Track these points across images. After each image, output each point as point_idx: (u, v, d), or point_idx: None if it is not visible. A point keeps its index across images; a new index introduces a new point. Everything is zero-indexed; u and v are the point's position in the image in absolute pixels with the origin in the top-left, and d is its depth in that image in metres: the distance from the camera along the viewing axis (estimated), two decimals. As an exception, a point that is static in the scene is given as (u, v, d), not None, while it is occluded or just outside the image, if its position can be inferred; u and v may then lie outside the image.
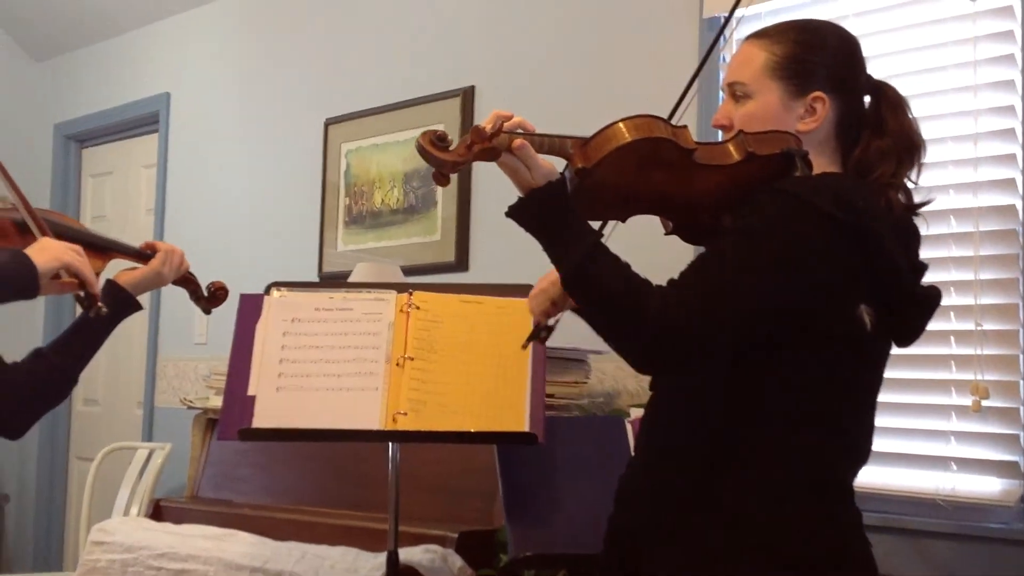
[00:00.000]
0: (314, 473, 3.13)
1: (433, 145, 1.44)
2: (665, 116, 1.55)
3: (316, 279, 3.95)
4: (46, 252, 1.60)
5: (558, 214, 1.48)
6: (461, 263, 3.53)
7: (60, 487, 5.12)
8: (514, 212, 1.50)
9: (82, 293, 1.69)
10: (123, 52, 5.01)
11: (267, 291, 2.37)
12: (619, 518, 1.62)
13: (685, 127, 1.52)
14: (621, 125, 1.47)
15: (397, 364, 2.22)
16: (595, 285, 1.45)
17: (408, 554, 2.43)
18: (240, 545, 2.80)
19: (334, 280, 3.77)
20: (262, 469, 3.27)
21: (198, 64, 4.65)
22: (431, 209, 3.65)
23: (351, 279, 3.35)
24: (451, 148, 1.46)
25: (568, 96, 3.29)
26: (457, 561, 2.48)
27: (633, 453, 1.69)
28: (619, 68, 3.19)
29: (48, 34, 5.27)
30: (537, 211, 1.48)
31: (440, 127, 3.59)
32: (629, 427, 2.26)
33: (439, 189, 3.61)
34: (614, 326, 1.45)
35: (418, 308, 2.32)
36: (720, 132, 1.63)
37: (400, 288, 2.37)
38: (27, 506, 5.14)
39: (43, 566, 4.97)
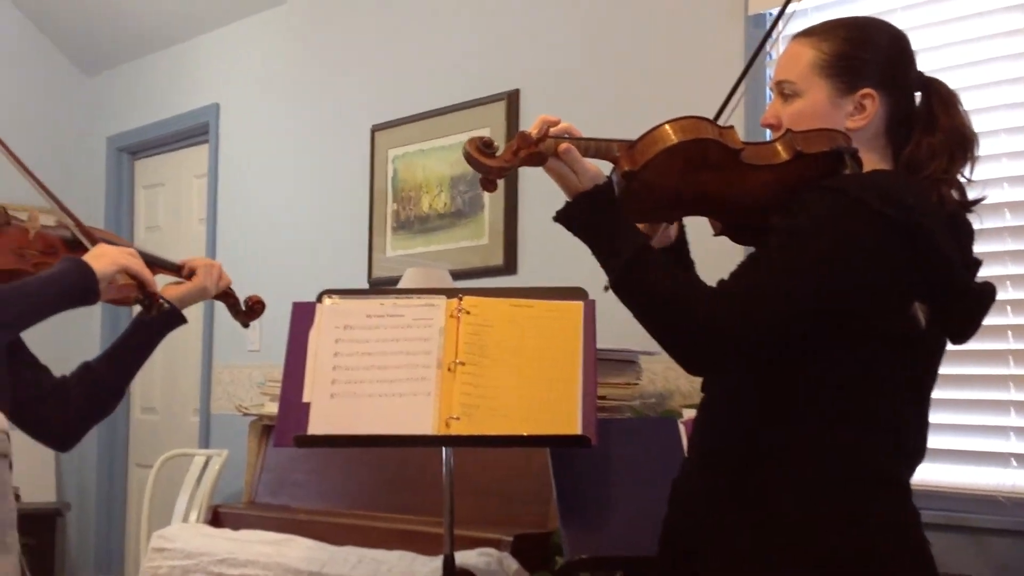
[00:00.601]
0: (369, 478, 3.16)
1: (480, 152, 1.46)
2: (712, 116, 1.55)
3: (365, 285, 3.98)
4: (104, 257, 1.63)
5: (605, 218, 1.49)
6: (509, 266, 3.54)
7: (120, 495, 5.21)
8: (562, 217, 1.52)
9: (142, 295, 1.71)
10: (172, 64, 5.09)
11: (319, 298, 2.40)
12: (672, 519, 1.63)
13: (732, 127, 1.52)
14: (667, 127, 1.48)
15: (448, 369, 2.23)
16: (643, 288, 1.46)
17: (464, 557, 2.44)
18: (298, 550, 2.83)
19: (384, 286, 3.80)
20: (318, 474, 3.31)
21: (246, 74, 4.71)
22: (478, 213, 3.66)
23: (401, 284, 3.37)
24: (497, 154, 1.48)
25: (613, 98, 3.29)
26: (513, 564, 2.49)
27: (687, 454, 1.69)
28: (664, 68, 3.18)
29: (99, 49, 5.37)
30: (584, 215, 1.50)
31: (486, 132, 3.61)
32: (682, 428, 2.25)
33: (486, 193, 3.62)
34: (662, 328, 1.46)
35: (468, 313, 2.33)
36: (769, 131, 1.63)
37: (450, 293, 2.39)
38: (88, 514, 5.23)
39: (104, 573, 5.05)
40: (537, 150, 1.48)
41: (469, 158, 1.46)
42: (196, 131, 4.94)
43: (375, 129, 4.05)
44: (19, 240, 1.72)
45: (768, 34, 1.74)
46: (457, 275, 3.50)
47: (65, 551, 5.13)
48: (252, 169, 4.64)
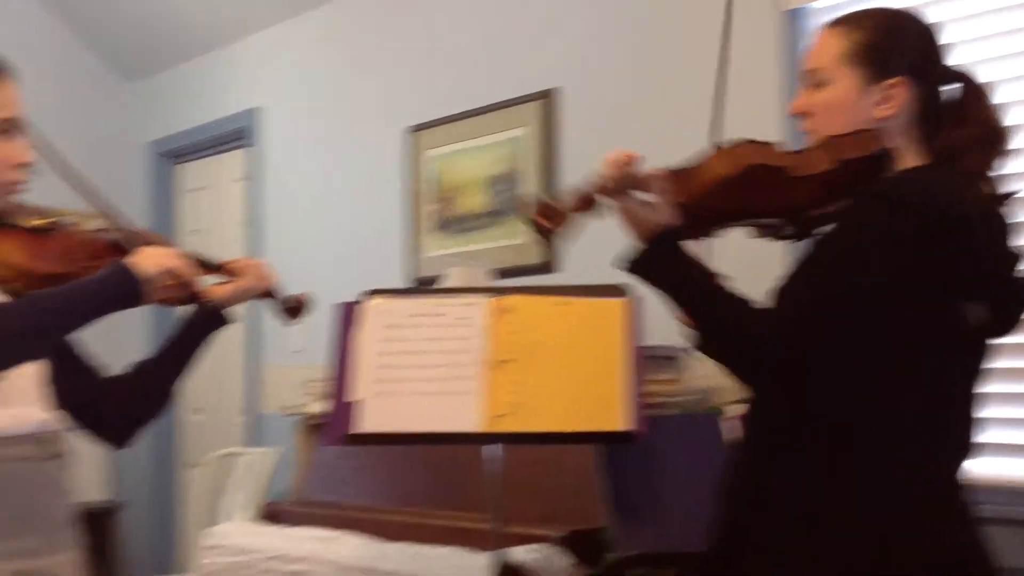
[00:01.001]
0: (417, 475, 3.20)
1: (540, 215, 1.50)
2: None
3: (407, 285, 4.02)
4: (148, 259, 1.66)
5: (675, 265, 1.53)
6: (549, 264, 3.57)
7: (171, 493, 5.30)
8: (634, 269, 1.57)
9: (187, 296, 1.75)
10: (211, 69, 5.16)
11: (363, 298, 2.44)
12: (722, 516, 1.65)
13: (770, 144, 1.54)
14: (715, 160, 1.50)
15: (493, 367, 2.27)
16: (719, 326, 1.51)
17: (514, 554, 2.48)
18: (349, 547, 2.88)
19: (426, 286, 3.84)
20: (365, 472, 3.36)
21: (284, 78, 4.77)
22: (517, 212, 3.69)
23: (442, 284, 3.42)
24: (557, 210, 1.51)
25: (651, 95, 3.30)
26: (563, 560, 2.52)
27: (738, 450, 1.71)
28: (702, 67, 3.18)
29: (139, 55, 5.45)
30: (655, 266, 1.54)
31: (523, 131, 3.63)
32: (724, 425, 2.27)
33: (525, 191, 3.65)
34: (735, 360, 1.52)
35: (509, 311, 2.36)
36: (798, 120, 1.64)
37: (490, 292, 2.42)
38: (142, 513, 5.33)
39: (159, 570, 5.15)
40: (592, 198, 1.52)
41: (529, 223, 1.51)
42: (237, 135, 5.01)
43: (413, 130, 4.09)
44: (67, 245, 1.75)
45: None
46: (498, 273, 3.54)
47: (120, 549, 5.22)
48: (292, 172, 4.70)
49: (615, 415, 2.17)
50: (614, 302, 1.98)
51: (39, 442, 1.67)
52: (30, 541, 1.63)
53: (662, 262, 1.53)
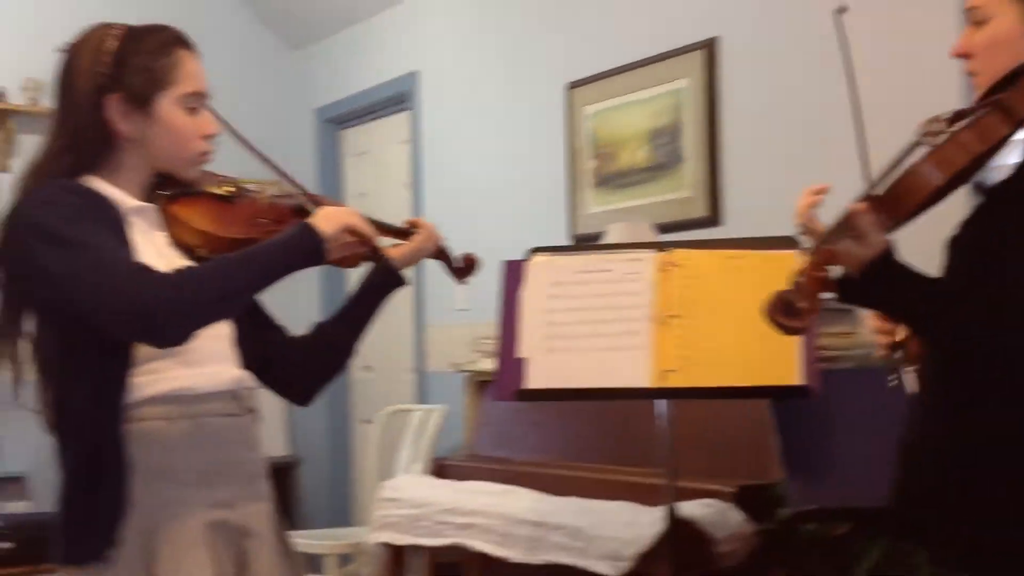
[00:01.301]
0: (586, 430, 3.23)
1: (782, 314, 1.37)
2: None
3: (568, 242, 4.03)
4: (328, 218, 1.70)
5: (893, 288, 1.47)
6: (714, 218, 3.51)
7: (346, 449, 5.50)
8: (853, 300, 1.51)
9: (367, 251, 1.79)
10: (372, 35, 5.26)
11: (529, 256, 2.46)
12: (902, 476, 1.61)
13: (960, 134, 1.46)
14: (925, 170, 1.43)
15: (661, 322, 2.25)
16: (938, 331, 1.49)
17: (686, 508, 2.48)
18: (521, 500, 2.93)
19: (587, 242, 3.84)
20: (535, 427, 3.40)
21: (442, 40, 4.82)
22: (680, 165, 3.65)
23: (605, 240, 3.41)
24: (800, 305, 1.36)
25: (817, 47, 3.19)
26: (736, 515, 2.51)
27: (915, 407, 1.66)
28: (872, 16, 3.05)
29: (303, 24, 5.60)
30: (873, 295, 1.49)
31: (684, 83, 3.57)
32: (906, 378, 2.20)
33: (687, 144, 3.60)
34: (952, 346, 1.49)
35: (678, 266, 2.34)
36: (962, 62, 1.60)
37: (658, 246, 2.40)
38: (319, 467, 5.55)
39: (337, 522, 5.35)
40: (825, 274, 1.39)
41: (773, 322, 1.38)
42: (398, 99, 5.10)
43: (571, 86, 4.08)
44: (252, 210, 1.82)
45: None
46: (661, 228, 3.51)
47: (300, 503, 5.47)
48: (452, 132, 4.76)
49: (790, 369, 2.13)
50: (787, 254, 1.94)
51: (235, 398, 1.75)
52: (227, 492, 1.71)
53: (880, 290, 1.48)
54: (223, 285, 1.59)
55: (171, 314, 1.54)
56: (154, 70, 1.70)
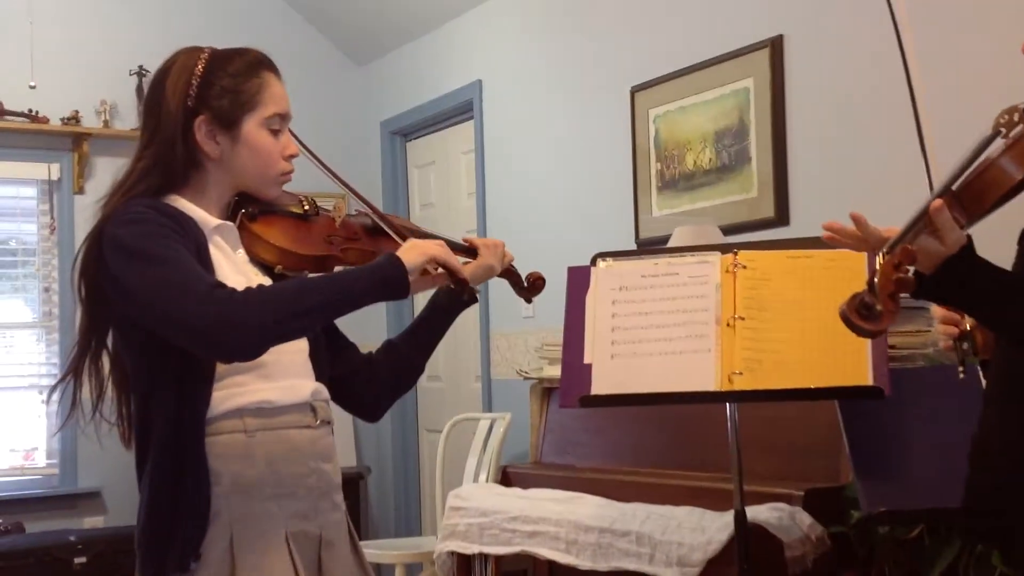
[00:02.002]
0: (653, 435, 3.19)
1: (860, 316, 1.31)
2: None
3: (633, 246, 4.01)
4: (414, 250, 1.71)
5: (980, 280, 1.42)
6: (781, 218, 3.46)
7: (413, 458, 5.52)
8: (930, 296, 1.46)
9: (452, 282, 1.79)
10: (434, 47, 5.29)
11: (593, 262, 2.45)
12: (975, 477, 1.56)
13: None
14: (1004, 164, 1.37)
15: (728, 324, 2.23)
16: (1020, 324, 1.44)
17: (755, 512, 2.44)
18: (588, 507, 2.91)
19: (652, 246, 3.81)
20: (601, 434, 3.38)
21: (504, 48, 4.83)
22: (745, 166, 3.60)
23: (670, 243, 3.38)
24: (878, 308, 1.31)
25: (885, 46, 3.13)
26: (806, 518, 2.46)
27: (984, 406, 1.61)
28: (944, 14, 2.98)
29: (368, 39, 5.66)
30: (951, 292, 1.44)
31: (748, 83, 3.54)
32: (981, 374, 2.14)
33: (752, 144, 3.56)
34: None
35: (744, 267, 2.31)
36: None
37: (723, 248, 2.37)
38: (386, 477, 5.58)
39: (404, 531, 5.38)
40: (903, 275, 1.33)
41: (848, 323, 1.32)
42: (461, 109, 5.12)
43: (634, 90, 4.06)
44: (328, 228, 1.86)
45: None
46: (726, 230, 3.46)
47: (368, 512, 5.50)
48: (516, 141, 4.76)
49: (860, 369, 2.09)
50: (856, 253, 1.89)
51: (312, 411, 1.77)
52: (305, 504, 1.73)
53: (959, 286, 1.43)
54: (295, 307, 1.60)
55: (237, 331, 1.56)
56: (241, 92, 1.73)
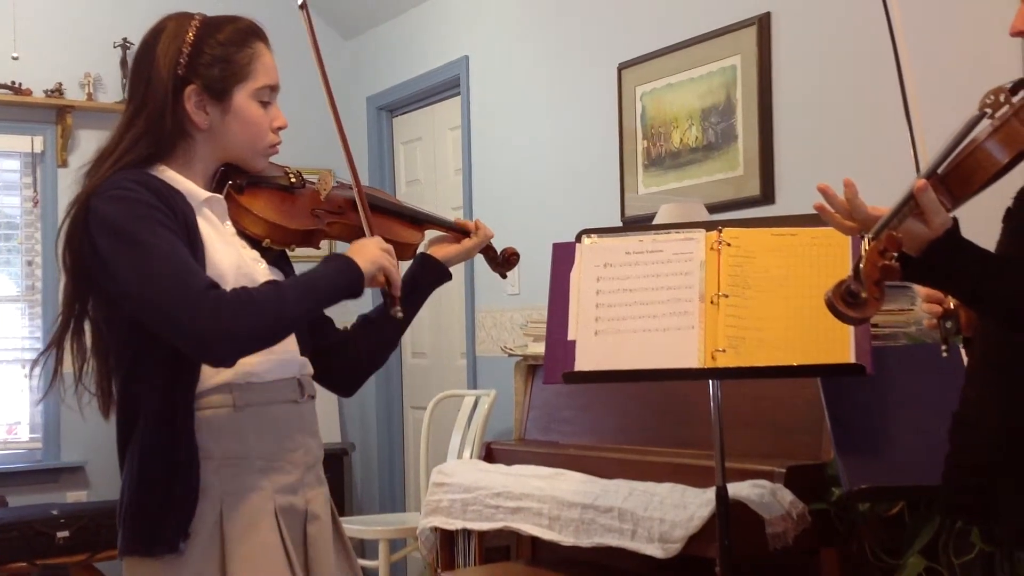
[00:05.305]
0: (636, 412, 3.20)
1: (845, 303, 1.30)
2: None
3: (619, 224, 4.00)
4: (367, 255, 1.74)
5: (958, 266, 1.41)
6: (767, 196, 3.46)
7: (398, 434, 5.53)
8: (914, 278, 1.45)
9: (385, 293, 1.80)
10: (422, 22, 5.26)
11: (578, 238, 2.44)
12: (955, 454, 1.56)
13: (1011, 92, 1.41)
14: (990, 147, 1.37)
15: (711, 302, 2.23)
16: (1003, 306, 1.43)
17: (736, 489, 2.45)
18: (570, 483, 2.92)
19: (638, 223, 3.80)
20: (585, 410, 3.39)
21: (492, 24, 4.80)
22: (732, 144, 3.60)
23: (656, 221, 3.38)
24: (863, 295, 1.30)
25: (873, 22, 3.12)
26: (787, 495, 2.47)
27: (965, 384, 1.62)
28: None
29: (354, 13, 5.62)
30: (937, 274, 1.43)
31: (736, 61, 3.53)
32: (963, 352, 2.15)
33: (739, 122, 3.55)
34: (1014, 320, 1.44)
35: (729, 245, 2.31)
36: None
37: (708, 226, 2.37)
38: (370, 454, 5.58)
39: (388, 507, 5.39)
40: (888, 263, 1.31)
41: (833, 309, 1.31)
42: (448, 85, 5.10)
43: (621, 67, 4.05)
44: (313, 201, 1.85)
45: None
46: (712, 208, 3.46)
47: (352, 489, 5.51)
48: (502, 117, 4.74)
49: (843, 347, 2.09)
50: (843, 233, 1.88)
51: (300, 385, 1.77)
52: (291, 478, 1.72)
53: (945, 268, 1.42)
54: (279, 319, 1.63)
55: (227, 340, 1.57)
56: (232, 62, 1.71)
